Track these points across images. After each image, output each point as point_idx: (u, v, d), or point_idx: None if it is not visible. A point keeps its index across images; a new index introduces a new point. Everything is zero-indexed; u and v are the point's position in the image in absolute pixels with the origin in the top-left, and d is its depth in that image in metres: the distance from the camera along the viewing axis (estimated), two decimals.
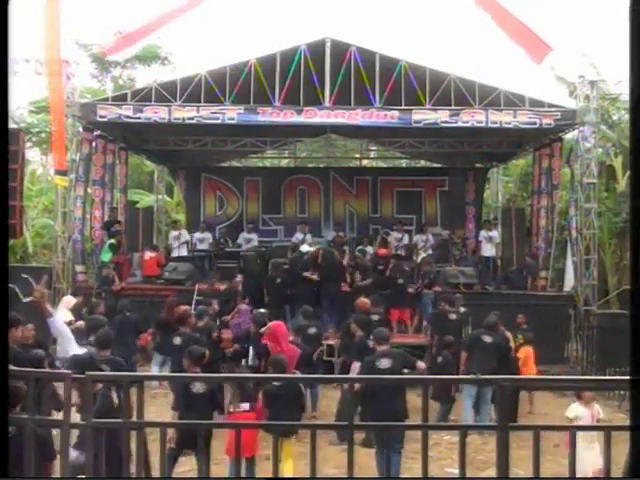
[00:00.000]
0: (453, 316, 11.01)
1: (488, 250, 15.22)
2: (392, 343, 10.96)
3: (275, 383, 6.43)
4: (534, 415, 9.79)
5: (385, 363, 6.67)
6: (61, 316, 10.89)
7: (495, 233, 15.73)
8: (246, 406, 6.49)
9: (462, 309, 11.29)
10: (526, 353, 10.44)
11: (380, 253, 14.54)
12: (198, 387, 6.11)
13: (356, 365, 8.69)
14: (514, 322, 11.53)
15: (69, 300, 11.45)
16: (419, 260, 14.67)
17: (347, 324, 9.88)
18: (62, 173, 13.45)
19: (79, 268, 14.35)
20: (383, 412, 6.21)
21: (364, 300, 10.33)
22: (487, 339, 9.22)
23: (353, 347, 9.25)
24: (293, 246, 14.86)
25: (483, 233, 15.51)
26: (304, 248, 14.09)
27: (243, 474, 6.13)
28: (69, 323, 10.71)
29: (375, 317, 10.61)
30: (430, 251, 15.33)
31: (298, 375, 7.17)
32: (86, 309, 10.71)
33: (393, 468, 6.16)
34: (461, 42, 44.01)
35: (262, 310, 10.57)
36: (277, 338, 8.52)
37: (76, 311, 11.07)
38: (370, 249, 15.22)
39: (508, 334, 10.40)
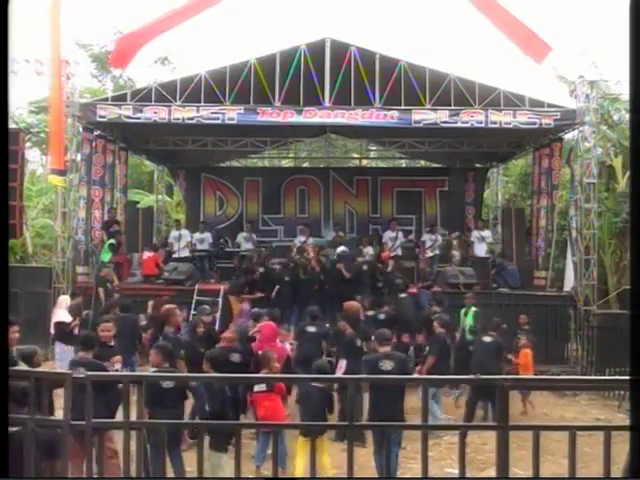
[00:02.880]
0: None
1: (481, 250, 15.22)
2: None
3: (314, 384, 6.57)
4: (534, 415, 9.79)
5: (388, 365, 6.68)
6: (62, 314, 10.95)
7: (487, 233, 15.74)
8: (262, 386, 6.69)
9: None
10: (526, 356, 10.46)
11: (384, 256, 14.44)
12: (168, 382, 6.12)
13: (342, 363, 8.65)
14: (515, 322, 11.56)
15: (66, 300, 11.47)
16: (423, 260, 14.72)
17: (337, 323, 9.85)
18: (60, 173, 13.42)
19: (81, 269, 14.33)
20: (381, 413, 6.22)
21: (353, 303, 10.28)
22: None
23: (342, 345, 9.21)
24: (297, 248, 14.78)
25: (475, 233, 15.52)
26: (339, 249, 14.12)
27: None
28: (69, 323, 10.76)
29: (381, 316, 10.61)
30: (437, 251, 15.34)
31: (298, 375, 7.17)
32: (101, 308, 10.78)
33: (391, 468, 6.16)
34: (461, 42, 44.03)
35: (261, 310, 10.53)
36: (260, 338, 8.56)
37: (76, 311, 11.09)
38: (370, 249, 15.20)
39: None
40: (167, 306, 9.16)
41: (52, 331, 11.09)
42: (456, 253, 15.01)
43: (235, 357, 7.49)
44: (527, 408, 9.94)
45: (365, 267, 12.96)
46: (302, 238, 15.94)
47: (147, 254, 14.86)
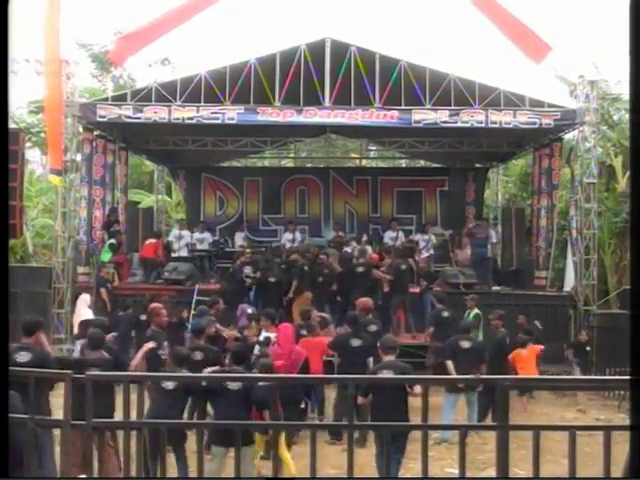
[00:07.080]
0: (445, 314, 10.99)
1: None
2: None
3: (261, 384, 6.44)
4: (534, 415, 9.79)
5: (387, 375, 6.56)
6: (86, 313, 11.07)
7: (492, 233, 15.73)
8: None
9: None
10: (525, 354, 10.46)
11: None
12: (168, 383, 6.09)
13: None
14: (515, 322, 11.56)
15: (87, 298, 11.61)
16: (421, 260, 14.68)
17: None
18: (57, 172, 13.42)
19: (81, 269, 14.34)
20: (381, 420, 6.19)
21: (363, 300, 10.16)
22: (466, 344, 8.91)
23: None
24: (287, 249, 14.73)
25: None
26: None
27: None
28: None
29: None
30: (432, 251, 15.32)
31: (295, 375, 7.16)
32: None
33: (392, 474, 6.15)
34: (461, 42, 44.03)
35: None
36: (280, 341, 8.53)
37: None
38: (369, 249, 15.18)
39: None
40: (153, 305, 9.08)
41: (76, 330, 11.10)
42: (466, 252, 14.97)
43: (197, 355, 7.48)
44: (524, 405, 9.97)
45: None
46: (289, 236, 15.92)
47: (150, 240, 15.27)
